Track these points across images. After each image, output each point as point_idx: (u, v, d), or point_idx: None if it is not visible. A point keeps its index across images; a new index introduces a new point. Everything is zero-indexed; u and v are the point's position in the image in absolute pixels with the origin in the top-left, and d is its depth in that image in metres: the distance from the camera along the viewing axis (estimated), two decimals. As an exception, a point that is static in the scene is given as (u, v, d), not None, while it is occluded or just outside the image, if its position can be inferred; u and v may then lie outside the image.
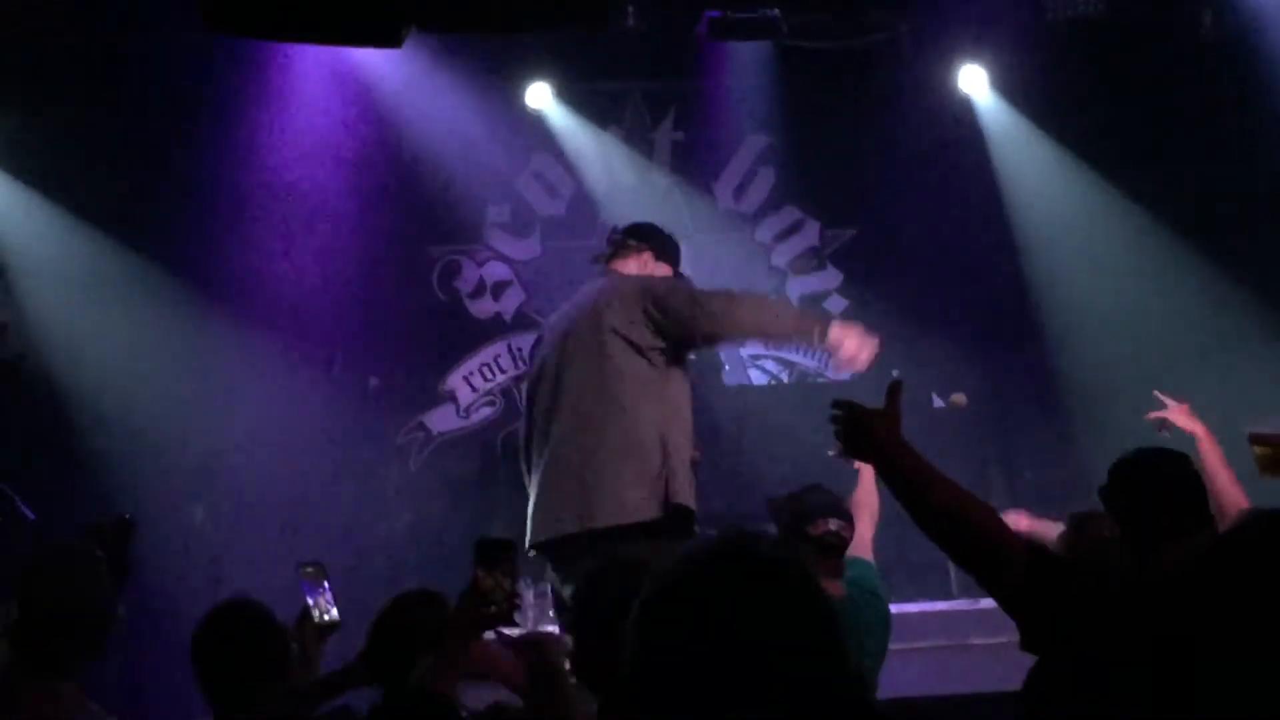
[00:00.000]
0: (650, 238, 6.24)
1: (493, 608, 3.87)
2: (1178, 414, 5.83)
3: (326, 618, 4.69)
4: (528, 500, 5.81)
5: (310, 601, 4.69)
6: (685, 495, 5.60)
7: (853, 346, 5.65)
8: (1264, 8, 9.16)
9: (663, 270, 6.10)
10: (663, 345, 5.70)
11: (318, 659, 4.62)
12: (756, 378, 10.18)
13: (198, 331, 9.32)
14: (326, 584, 4.74)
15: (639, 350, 5.68)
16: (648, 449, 5.58)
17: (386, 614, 4.37)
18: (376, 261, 9.90)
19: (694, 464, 5.77)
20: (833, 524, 5.36)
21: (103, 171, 9.32)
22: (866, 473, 5.90)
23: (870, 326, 5.72)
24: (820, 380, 10.12)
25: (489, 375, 10.22)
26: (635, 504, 5.52)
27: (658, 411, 5.65)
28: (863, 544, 5.64)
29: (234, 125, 9.44)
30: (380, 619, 4.37)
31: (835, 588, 5.26)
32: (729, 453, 8.24)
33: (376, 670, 4.31)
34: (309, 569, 4.78)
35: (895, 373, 6.92)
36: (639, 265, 6.09)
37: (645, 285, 5.84)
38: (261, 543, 8.69)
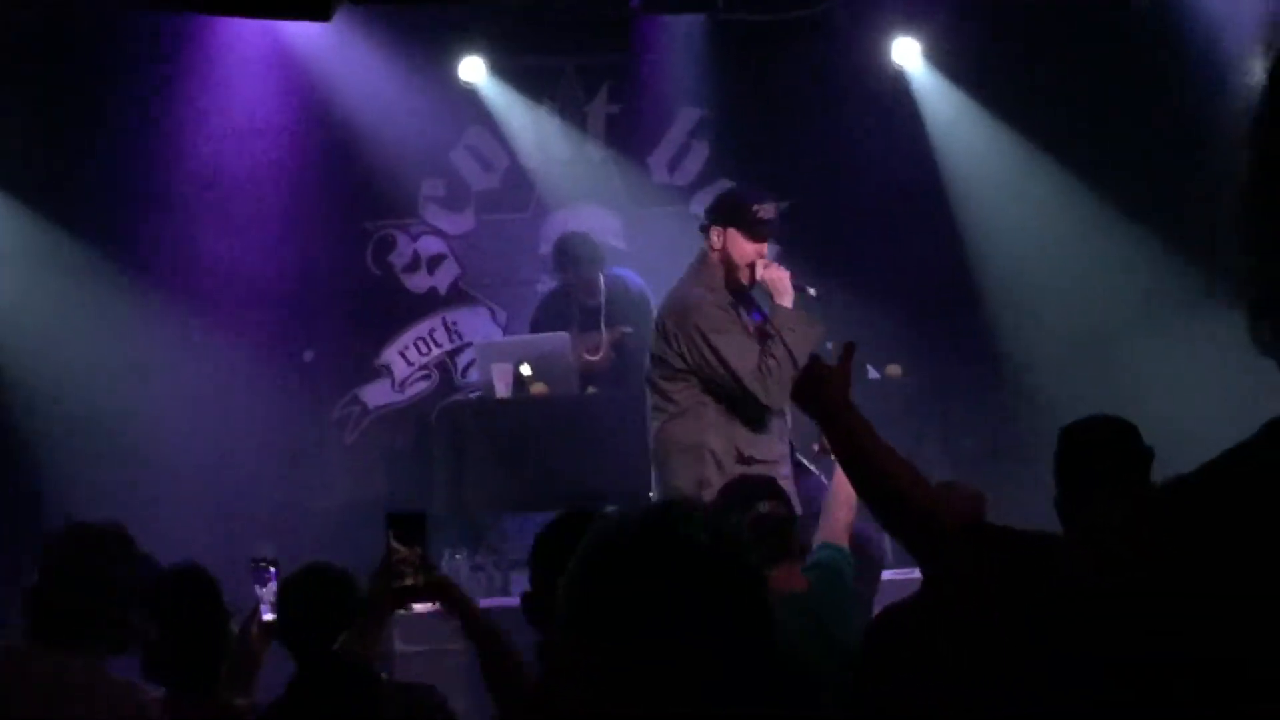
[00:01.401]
0: (711, 212, 6.96)
1: (408, 580, 3.85)
2: None
3: (274, 616, 4.39)
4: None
5: (260, 597, 4.45)
6: None
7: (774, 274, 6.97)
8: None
9: (732, 237, 6.82)
10: None
11: (261, 659, 4.41)
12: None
13: (127, 308, 9.22)
14: (275, 577, 4.47)
15: None
16: None
17: (295, 585, 4.29)
18: (310, 236, 9.82)
19: None
20: (763, 506, 5.07)
21: (32, 147, 9.20)
22: None
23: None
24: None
25: (424, 349, 10.17)
26: None
27: None
28: (835, 529, 5.45)
29: (162, 100, 9.33)
30: (289, 589, 4.29)
31: (790, 573, 5.00)
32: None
33: (286, 640, 4.23)
34: (262, 563, 4.51)
35: (830, 345, 6.95)
36: (717, 237, 6.82)
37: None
38: (192, 520, 8.61)
